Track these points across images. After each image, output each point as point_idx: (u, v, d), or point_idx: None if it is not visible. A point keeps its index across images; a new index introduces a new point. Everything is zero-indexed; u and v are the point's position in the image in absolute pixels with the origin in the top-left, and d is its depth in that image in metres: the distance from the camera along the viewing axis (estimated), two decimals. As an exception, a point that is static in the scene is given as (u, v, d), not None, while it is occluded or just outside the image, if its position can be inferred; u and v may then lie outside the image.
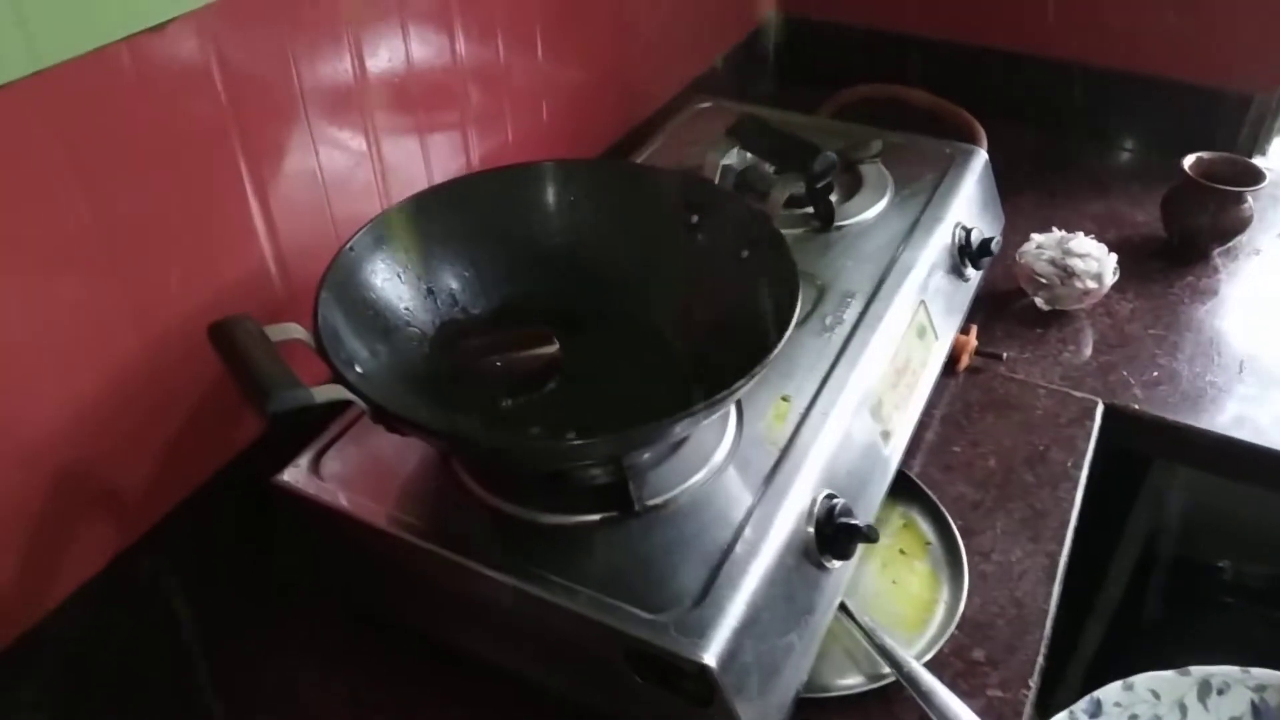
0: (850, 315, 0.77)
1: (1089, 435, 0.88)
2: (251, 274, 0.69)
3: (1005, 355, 0.96)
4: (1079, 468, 0.85)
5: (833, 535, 0.63)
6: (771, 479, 0.63)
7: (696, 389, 0.62)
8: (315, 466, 0.66)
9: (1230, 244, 1.10)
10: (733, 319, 0.65)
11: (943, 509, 0.79)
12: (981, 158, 0.99)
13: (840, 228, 0.87)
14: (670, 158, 0.98)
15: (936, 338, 0.85)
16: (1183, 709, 0.59)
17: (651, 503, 0.61)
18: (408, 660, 0.70)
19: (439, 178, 0.85)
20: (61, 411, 0.58)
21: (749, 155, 0.84)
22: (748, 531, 0.60)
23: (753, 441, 0.66)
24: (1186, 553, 1.27)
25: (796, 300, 0.60)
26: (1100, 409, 0.91)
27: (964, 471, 0.84)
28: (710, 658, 0.53)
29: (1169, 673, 0.60)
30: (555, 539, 0.61)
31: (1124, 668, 0.71)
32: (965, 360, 0.94)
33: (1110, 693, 0.59)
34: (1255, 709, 0.58)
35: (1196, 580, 1.37)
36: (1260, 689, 0.59)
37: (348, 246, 0.65)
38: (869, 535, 0.62)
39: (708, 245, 0.70)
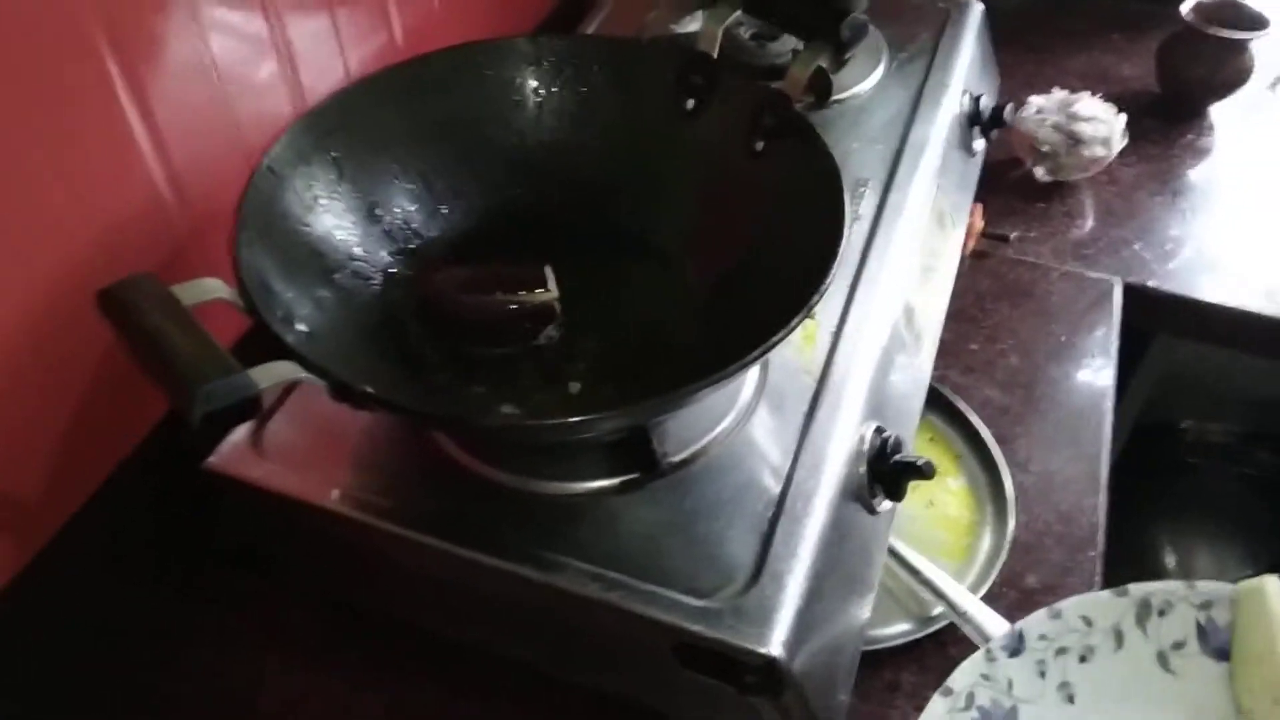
0: (868, 208, 0.66)
1: (1111, 319, 0.81)
2: (140, 204, 0.54)
3: (1012, 235, 0.87)
4: (1107, 356, 0.78)
5: (888, 475, 0.54)
6: (812, 416, 0.54)
7: (719, 322, 0.52)
8: (256, 441, 0.53)
9: (1227, 98, 1.01)
10: (759, 229, 0.54)
11: (971, 417, 0.71)
12: (978, 10, 0.87)
13: (837, 102, 0.76)
14: (627, 27, 0.84)
15: (954, 225, 0.75)
16: (1119, 636, 0.51)
17: (677, 458, 0.51)
18: (393, 650, 0.59)
19: (356, 63, 0.69)
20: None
21: (740, 26, 0.71)
22: (795, 483, 0.50)
23: (782, 371, 0.56)
24: (1152, 417, 1.24)
25: (843, 209, 0.49)
26: (1118, 289, 0.83)
27: (986, 372, 0.76)
28: (777, 648, 0.44)
29: (1104, 594, 0.52)
30: (565, 512, 0.50)
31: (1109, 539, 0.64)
32: (972, 244, 0.85)
33: (1035, 624, 0.51)
34: (1200, 629, 0.51)
35: (1162, 442, 1.36)
36: (1206, 605, 0.51)
37: (264, 165, 0.50)
38: (926, 471, 0.53)
39: (709, 137, 0.58)
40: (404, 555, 0.51)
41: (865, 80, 0.78)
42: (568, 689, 0.57)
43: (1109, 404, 0.74)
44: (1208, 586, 0.51)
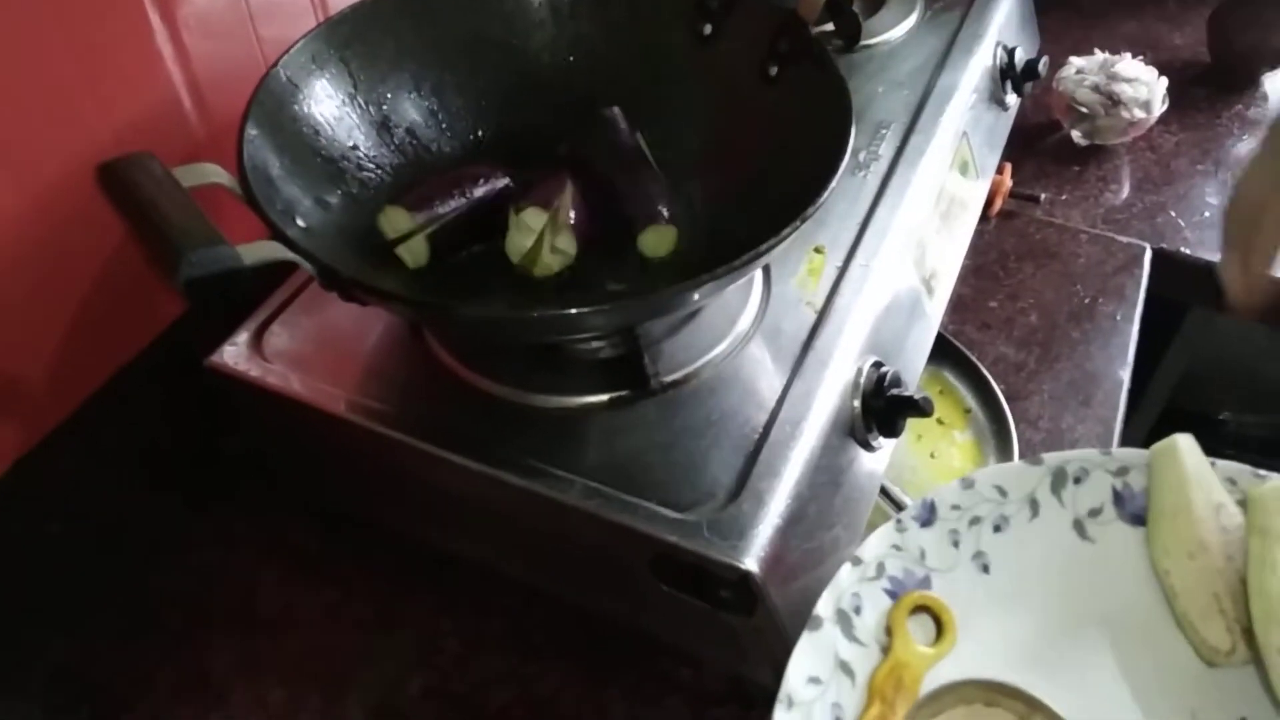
0: (887, 150, 0.65)
1: (1138, 284, 0.79)
2: (158, 107, 0.55)
3: (1042, 196, 0.86)
4: (1130, 320, 0.76)
5: (883, 410, 0.53)
6: (809, 346, 0.53)
7: (724, 239, 0.51)
8: (257, 343, 0.54)
9: (1281, 67, 0.98)
10: (769, 155, 0.53)
11: (984, 372, 0.70)
12: (1020, -35, 0.85)
13: (866, 47, 0.74)
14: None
15: (978, 175, 0.73)
16: (1034, 505, 0.49)
17: (669, 379, 0.51)
18: (386, 561, 0.60)
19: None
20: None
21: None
22: (785, 409, 0.50)
23: (783, 302, 0.56)
24: (1190, 407, 1.21)
25: (849, 129, 0.48)
26: (1148, 254, 0.81)
27: (1003, 329, 0.75)
28: (752, 562, 0.44)
29: (1017, 463, 0.50)
30: (556, 425, 0.50)
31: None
32: (999, 203, 0.83)
33: (947, 494, 0.49)
34: (1117, 495, 0.49)
35: (1200, 434, 1.33)
36: (1122, 471, 0.49)
37: (277, 68, 0.51)
38: (923, 408, 0.53)
39: (724, 62, 0.57)
40: (397, 460, 0.52)
41: (897, 28, 0.77)
42: (555, 607, 0.57)
43: (1128, 368, 0.72)
44: (1123, 452, 0.49)
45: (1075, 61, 0.90)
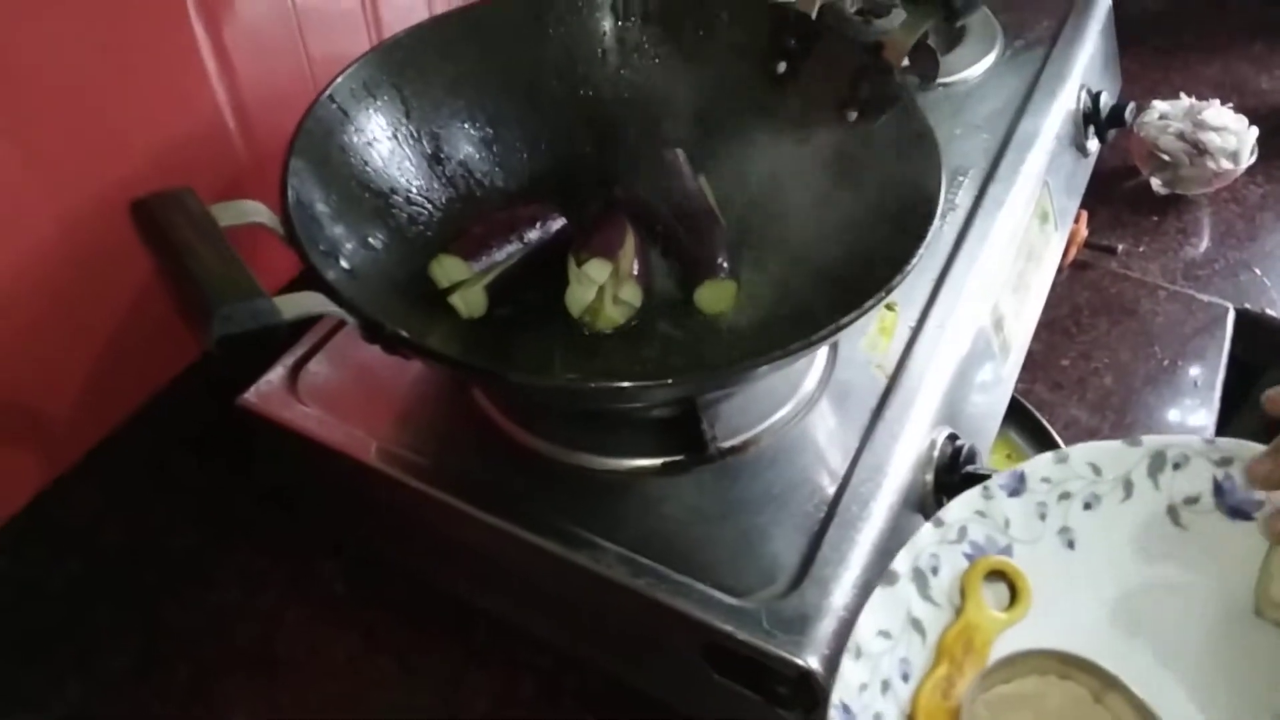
0: (964, 199, 0.61)
1: (1220, 347, 0.74)
2: (202, 131, 0.52)
3: (1119, 248, 0.81)
4: (1211, 386, 0.71)
5: (957, 486, 0.49)
6: (880, 414, 0.49)
7: (792, 300, 0.48)
8: (292, 383, 0.52)
9: (1378, 117, 0.93)
10: (844, 207, 0.49)
11: (1056, 437, 0.66)
12: (1105, 4, 0.81)
13: (943, 85, 0.71)
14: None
15: (1057, 226, 0.69)
16: (1128, 486, 0.48)
17: (728, 444, 0.47)
18: (412, 609, 0.57)
19: (442, 5, 0.67)
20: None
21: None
22: (853, 484, 0.46)
23: (851, 364, 0.52)
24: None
25: (939, 189, 0.44)
26: (1231, 315, 0.76)
27: (1076, 390, 0.71)
28: (815, 660, 0.40)
29: (1115, 442, 0.48)
30: (604, 489, 0.47)
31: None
32: (1073, 253, 0.79)
33: (1039, 465, 0.47)
34: (1218, 485, 0.47)
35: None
36: (1225, 462, 0.46)
37: (326, 95, 0.48)
38: (1000, 486, 0.49)
39: (801, 105, 0.54)
40: (431, 515, 0.48)
41: (975, 65, 0.73)
42: (586, 673, 0.54)
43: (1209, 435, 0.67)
44: (1227, 443, 0.47)
45: (1159, 106, 0.85)
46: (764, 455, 0.48)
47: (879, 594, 0.44)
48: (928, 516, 0.50)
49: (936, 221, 0.43)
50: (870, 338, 0.53)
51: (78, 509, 0.52)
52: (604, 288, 0.47)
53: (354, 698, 0.54)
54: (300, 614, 0.58)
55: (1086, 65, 0.75)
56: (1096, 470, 0.48)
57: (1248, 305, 0.77)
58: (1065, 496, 0.48)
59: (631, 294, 0.48)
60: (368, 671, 0.55)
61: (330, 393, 0.51)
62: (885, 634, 0.44)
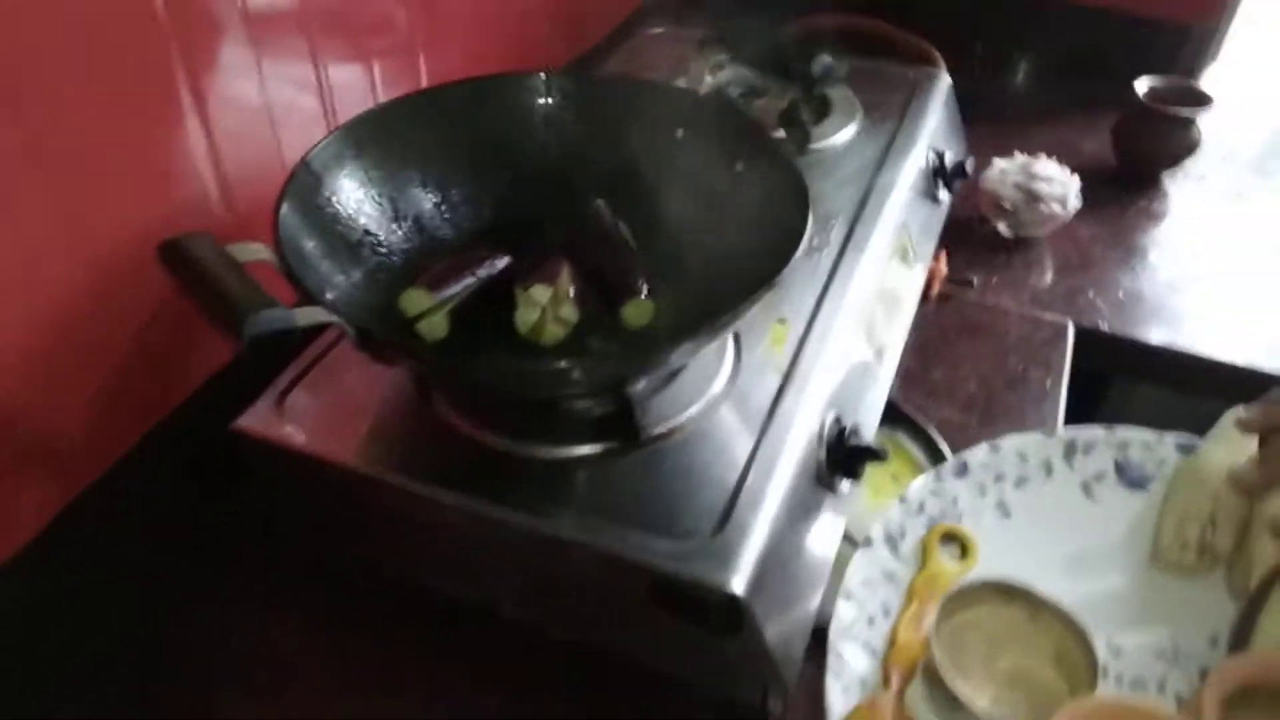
0: (836, 237, 0.74)
1: (1064, 354, 0.88)
2: (192, 197, 0.62)
3: (975, 281, 0.95)
4: (1058, 384, 0.84)
5: (844, 457, 0.60)
6: (778, 403, 0.60)
7: (700, 312, 0.58)
8: (279, 407, 0.60)
9: (1178, 167, 1.11)
10: (738, 236, 0.61)
11: (931, 432, 0.77)
12: (945, 82, 0.97)
13: (814, 151, 0.84)
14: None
15: (917, 260, 0.82)
16: (1048, 468, 0.63)
17: (656, 431, 0.57)
18: (393, 614, 0.64)
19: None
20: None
21: (724, 72, 0.80)
22: (760, 456, 0.56)
23: (752, 367, 0.63)
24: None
25: (807, 213, 0.56)
26: (1071, 329, 0.90)
27: (947, 396, 0.83)
28: (739, 585, 0.49)
29: (1035, 434, 0.64)
30: (555, 473, 0.56)
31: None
32: (937, 287, 0.92)
33: (977, 454, 0.63)
34: (1118, 465, 0.63)
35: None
36: (1124, 446, 0.63)
37: (304, 162, 0.58)
38: (879, 454, 0.60)
39: (698, 159, 0.66)
40: (406, 508, 0.57)
41: (841, 134, 0.87)
42: (556, 657, 0.62)
43: (1059, 426, 0.80)
44: (1126, 430, 0.63)
45: (998, 163, 1.01)
46: (686, 440, 0.58)
47: (860, 555, 0.59)
48: (826, 484, 0.60)
49: (804, 243, 0.54)
50: (766, 346, 0.64)
51: (86, 532, 0.58)
52: (546, 308, 0.57)
53: (341, 706, 0.61)
54: (282, 628, 0.64)
55: (933, 130, 0.90)
56: (1023, 457, 0.63)
57: (1084, 322, 0.91)
58: (1000, 478, 0.62)
59: (569, 312, 0.58)
60: (349, 672, 0.62)
61: (312, 413, 0.59)
62: (867, 581, 0.58)
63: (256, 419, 0.59)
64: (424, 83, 0.83)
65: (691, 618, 0.51)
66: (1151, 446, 0.64)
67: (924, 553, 0.61)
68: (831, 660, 0.56)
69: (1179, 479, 0.62)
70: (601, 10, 1.13)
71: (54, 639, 0.59)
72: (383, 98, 0.78)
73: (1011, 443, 0.63)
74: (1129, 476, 0.62)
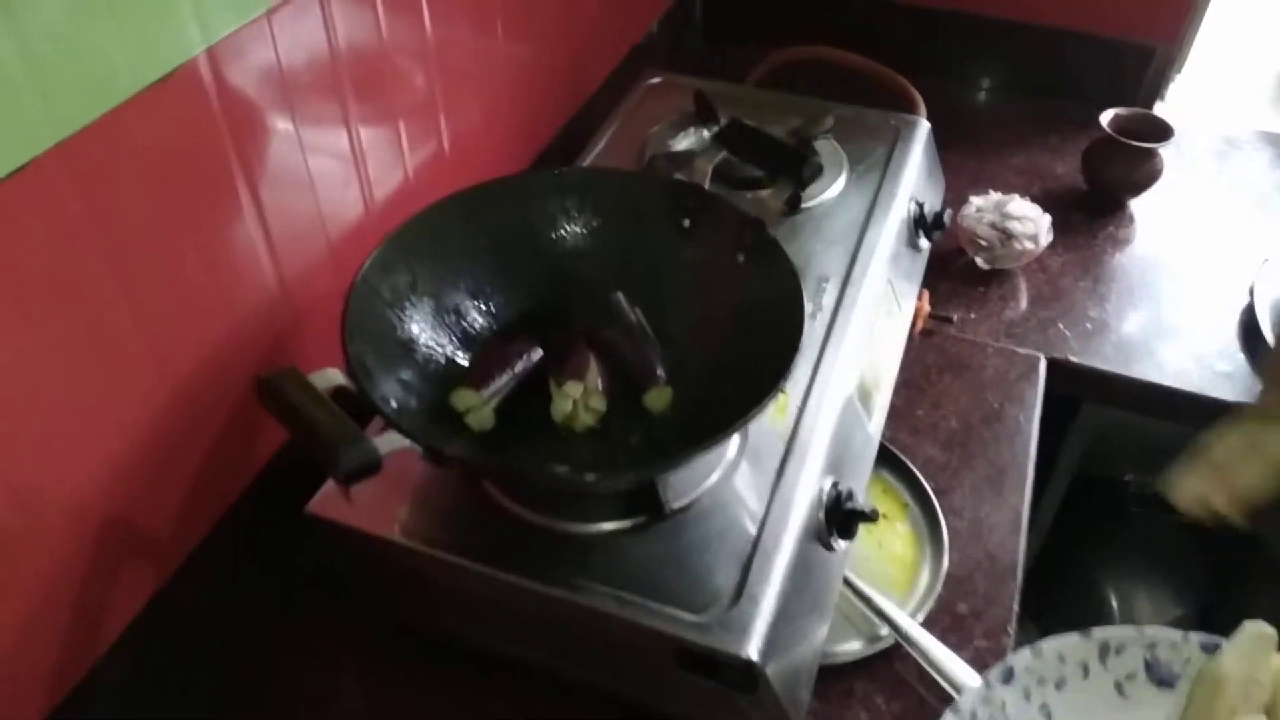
0: (829, 301, 0.82)
1: (1035, 390, 0.96)
2: (260, 302, 0.69)
3: (955, 317, 1.03)
4: (1030, 421, 0.93)
5: (841, 520, 0.68)
6: (782, 471, 0.68)
7: (710, 399, 0.66)
8: (345, 491, 0.68)
9: (1143, 194, 1.18)
10: (740, 324, 0.69)
11: (916, 472, 0.86)
12: (925, 129, 1.04)
13: (807, 209, 0.91)
14: (633, 140, 0.99)
15: (901, 309, 0.90)
16: (1085, 669, 0.67)
17: (678, 505, 0.66)
18: (447, 661, 0.73)
19: (413, 166, 0.85)
20: (97, 466, 0.59)
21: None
22: (769, 525, 0.65)
23: (759, 435, 0.71)
24: (1098, 470, 1.39)
25: (802, 315, 0.63)
26: (1043, 364, 0.99)
27: (930, 434, 0.92)
28: (754, 652, 0.58)
29: (1073, 636, 0.68)
30: (590, 547, 0.64)
31: (1060, 578, 0.76)
32: (920, 324, 1.00)
33: (1021, 659, 0.67)
34: (1148, 664, 0.67)
35: (1107, 493, 1.51)
36: (1151, 645, 0.67)
37: (360, 278, 0.65)
38: (871, 516, 0.68)
39: (703, 252, 0.73)
40: (457, 580, 0.65)
41: (829, 189, 0.93)
42: (588, 696, 0.71)
43: (1031, 462, 0.89)
44: (1153, 630, 0.68)
45: (974, 201, 1.08)
46: (704, 510, 0.66)
47: None
48: (824, 544, 0.69)
49: (804, 337, 0.62)
50: (770, 415, 0.72)
51: (178, 610, 0.67)
52: (578, 401, 0.65)
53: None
54: (353, 672, 0.73)
55: (914, 181, 0.97)
56: (1062, 659, 0.67)
57: (1055, 355, 1.00)
58: (1042, 681, 0.67)
59: (598, 403, 0.66)
60: (416, 708, 0.71)
61: (374, 494, 0.67)
62: None
63: (326, 504, 0.67)
64: (445, 140, 0.89)
65: (712, 678, 0.60)
66: (1177, 646, 0.67)
67: None
68: None
69: (1196, 688, 0.65)
70: (599, 56, 1.19)
71: (162, 705, 0.67)
72: (409, 157, 0.84)
73: (1052, 645, 0.67)
74: (1158, 675, 0.67)
